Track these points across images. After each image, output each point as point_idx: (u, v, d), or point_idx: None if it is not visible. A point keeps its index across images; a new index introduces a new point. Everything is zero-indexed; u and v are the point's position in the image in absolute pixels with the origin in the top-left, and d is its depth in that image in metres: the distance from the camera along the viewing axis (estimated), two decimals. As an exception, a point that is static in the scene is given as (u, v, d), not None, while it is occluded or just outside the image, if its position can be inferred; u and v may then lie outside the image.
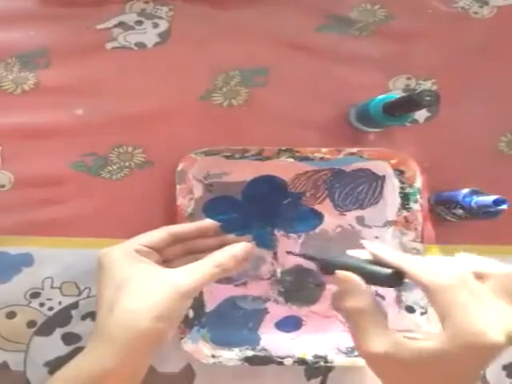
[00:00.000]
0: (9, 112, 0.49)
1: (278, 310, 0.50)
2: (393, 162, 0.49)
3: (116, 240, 0.41)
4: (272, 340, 0.49)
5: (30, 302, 0.49)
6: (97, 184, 0.49)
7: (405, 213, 0.49)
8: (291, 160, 0.49)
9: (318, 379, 0.50)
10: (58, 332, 0.49)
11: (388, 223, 0.50)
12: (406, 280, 0.34)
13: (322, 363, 0.48)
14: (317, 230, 0.50)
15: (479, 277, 0.33)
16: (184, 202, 0.47)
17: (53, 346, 0.49)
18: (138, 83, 0.50)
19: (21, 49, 0.50)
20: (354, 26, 0.51)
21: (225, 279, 0.49)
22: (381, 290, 0.49)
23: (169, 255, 0.42)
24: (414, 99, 0.40)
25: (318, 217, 0.49)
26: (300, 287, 0.50)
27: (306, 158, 0.48)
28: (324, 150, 0.47)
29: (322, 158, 0.48)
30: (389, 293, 0.49)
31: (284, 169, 0.49)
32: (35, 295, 0.49)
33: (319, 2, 0.51)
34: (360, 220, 0.50)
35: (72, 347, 0.49)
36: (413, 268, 0.33)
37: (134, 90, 0.50)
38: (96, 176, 0.49)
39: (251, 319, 0.50)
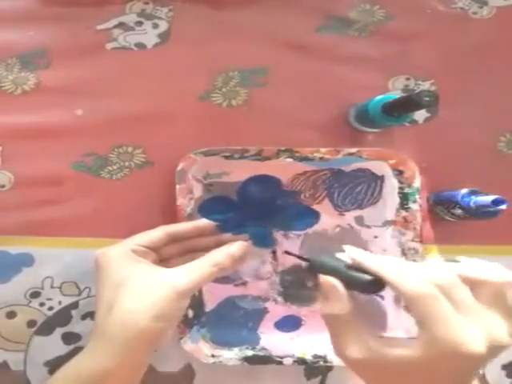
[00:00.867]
0: (9, 112, 0.49)
1: (278, 309, 0.50)
2: (392, 162, 0.49)
3: (116, 240, 0.41)
4: (272, 340, 0.50)
5: (30, 301, 0.49)
6: (97, 184, 0.49)
7: (404, 213, 0.49)
8: (290, 160, 0.49)
9: (318, 379, 0.50)
10: (58, 332, 0.49)
11: (387, 223, 0.50)
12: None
13: (321, 363, 0.48)
14: (315, 230, 0.50)
15: (473, 283, 0.32)
16: (184, 202, 0.47)
17: (53, 345, 0.49)
18: (137, 83, 0.50)
19: (21, 49, 0.50)
20: (353, 26, 0.51)
21: (224, 279, 0.49)
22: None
23: (166, 254, 0.42)
24: (413, 99, 0.40)
25: (315, 215, 0.49)
26: (299, 287, 0.50)
27: (305, 158, 0.49)
28: (323, 150, 0.48)
29: (321, 158, 0.48)
30: (388, 292, 0.49)
31: (283, 169, 0.49)
32: (35, 295, 0.49)
33: (318, 2, 0.51)
34: (359, 220, 0.50)
35: (72, 347, 0.49)
36: (392, 275, 0.32)
37: (133, 91, 0.50)
38: (96, 176, 0.50)
39: (251, 319, 0.50)
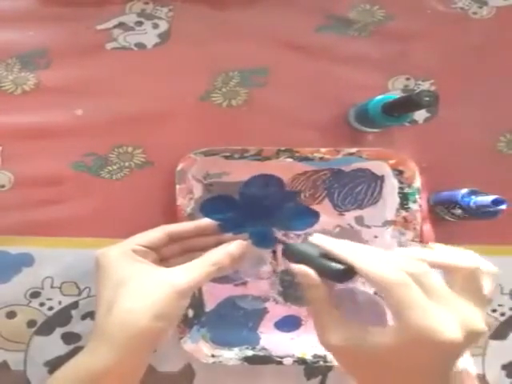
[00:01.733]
0: (9, 112, 0.49)
1: (278, 309, 0.50)
2: (392, 162, 0.49)
3: (116, 240, 0.41)
4: (272, 339, 0.50)
5: (30, 301, 0.49)
6: (97, 184, 0.49)
7: (404, 213, 0.49)
8: (290, 160, 0.49)
9: (318, 379, 0.50)
10: (58, 331, 0.49)
11: (387, 223, 0.50)
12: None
13: (321, 363, 0.48)
14: (315, 230, 0.50)
15: (445, 269, 0.32)
16: (184, 202, 0.47)
17: (53, 345, 0.49)
18: (137, 84, 0.50)
19: (21, 49, 0.50)
20: (353, 26, 0.51)
21: (224, 279, 0.49)
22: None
23: (166, 254, 0.42)
24: (413, 99, 0.40)
25: (315, 215, 0.49)
26: (300, 287, 0.50)
27: (305, 158, 0.49)
28: (323, 150, 0.48)
29: (321, 158, 0.48)
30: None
31: (283, 169, 0.49)
32: (35, 295, 0.49)
33: (318, 2, 0.51)
34: (359, 220, 0.50)
35: (72, 347, 0.49)
36: (362, 264, 0.32)
37: (133, 91, 0.50)
38: (96, 176, 0.50)
39: (251, 319, 0.50)
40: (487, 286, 0.32)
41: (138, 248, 0.39)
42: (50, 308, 0.49)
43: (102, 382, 0.35)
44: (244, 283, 0.50)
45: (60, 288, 0.49)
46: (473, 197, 0.45)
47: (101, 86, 0.50)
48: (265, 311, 0.50)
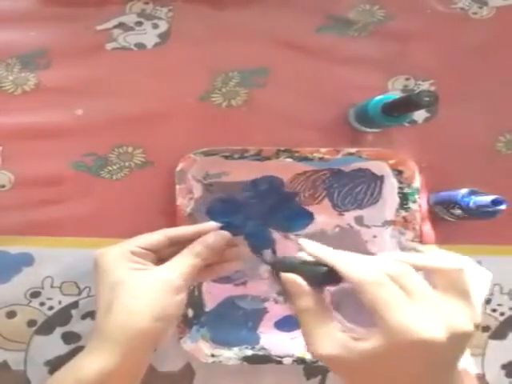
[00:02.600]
0: (9, 112, 0.49)
1: (278, 309, 0.50)
2: (391, 162, 0.49)
3: (116, 240, 0.41)
4: (271, 339, 0.50)
5: (30, 301, 0.49)
6: (97, 184, 0.49)
7: (403, 213, 0.49)
8: (290, 160, 0.49)
9: (317, 378, 0.50)
10: (58, 331, 0.49)
11: (387, 223, 0.50)
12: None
13: (321, 362, 0.48)
14: (315, 230, 0.50)
15: (429, 271, 0.32)
16: (183, 202, 0.47)
17: (53, 345, 0.49)
18: (137, 84, 0.50)
19: (21, 49, 0.50)
20: (352, 26, 0.51)
21: (224, 279, 0.49)
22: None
23: (165, 255, 0.42)
24: (413, 100, 0.40)
25: (308, 216, 0.49)
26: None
27: (304, 159, 0.49)
28: (323, 150, 0.48)
29: (321, 159, 0.48)
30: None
31: (283, 169, 0.49)
32: (35, 295, 0.49)
33: (318, 2, 0.51)
34: (359, 220, 0.50)
35: (72, 346, 0.49)
36: (343, 265, 0.32)
37: (133, 91, 0.50)
38: (96, 176, 0.50)
39: (250, 318, 0.50)
40: (478, 288, 0.32)
41: (137, 250, 0.39)
42: (50, 308, 0.49)
43: (103, 383, 0.35)
44: (244, 283, 0.50)
45: (60, 288, 0.49)
46: (472, 197, 0.45)
47: (101, 86, 0.50)
48: (264, 311, 0.50)
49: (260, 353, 0.49)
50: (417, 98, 0.39)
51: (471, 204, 0.45)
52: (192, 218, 0.48)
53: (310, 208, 0.50)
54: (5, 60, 0.50)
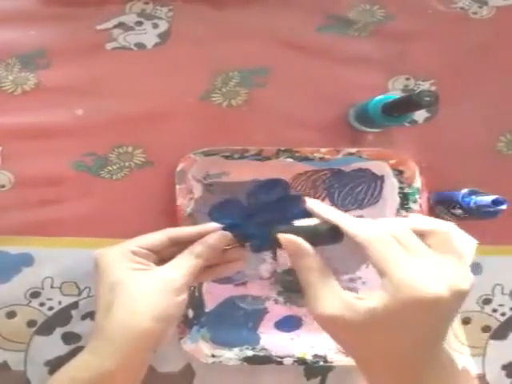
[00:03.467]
0: (9, 112, 0.49)
1: (278, 309, 0.50)
2: (392, 162, 0.49)
3: (116, 240, 0.41)
4: (272, 340, 0.50)
5: (30, 301, 0.49)
6: (97, 184, 0.49)
7: (404, 213, 0.49)
8: (290, 160, 0.49)
9: (318, 379, 0.50)
10: (58, 331, 0.49)
11: (387, 223, 0.50)
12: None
13: (321, 363, 0.48)
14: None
15: (421, 235, 0.33)
16: (184, 202, 0.47)
17: (53, 345, 0.49)
18: (137, 83, 0.50)
19: (21, 49, 0.50)
20: (353, 26, 0.51)
21: (224, 279, 0.49)
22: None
23: (166, 255, 0.42)
24: (413, 99, 0.40)
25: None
26: (299, 287, 0.50)
27: (305, 159, 0.49)
28: (323, 150, 0.48)
29: (321, 159, 0.48)
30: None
31: (283, 169, 0.49)
32: (35, 295, 0.49)
33: (318, 2, 0.51)
34: (359, 220, 0.50)
35: (72, 347, 0.49)
36: (348, 224, 0.34)
37: (133, 91, 0.50)
38: (96, 176, 0.50)
39: (251, 319, 0.50)
40: (466, 251, 0.33)
41: (137, 250, 0.39)
42: (50, 308, 0.49)
43: (104, 383, 0.35)
44: (244, 283, 0.50)
45: (60, 288, 0.49)
46: (473, 197, 0.45)
47: (101, 86, 0.50)
48: (265, 311, 0.50)
49: (260, 353, 0.49)
50: (417, 97, 0.39)
51: (472, 204, 0.45)
52: (192, 218, 0.48)
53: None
54: (5, 60, 0.50)
